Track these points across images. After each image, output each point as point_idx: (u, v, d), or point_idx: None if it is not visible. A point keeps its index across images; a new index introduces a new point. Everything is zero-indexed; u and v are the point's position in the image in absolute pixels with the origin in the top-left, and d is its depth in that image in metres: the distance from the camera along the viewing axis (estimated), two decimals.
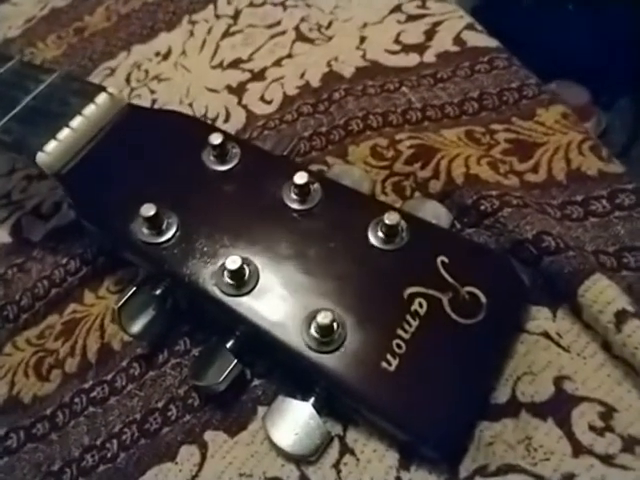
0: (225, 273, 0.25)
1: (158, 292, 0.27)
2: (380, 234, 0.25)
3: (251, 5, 0.46)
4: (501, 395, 0.24)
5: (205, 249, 0.26)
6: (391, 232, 0.25)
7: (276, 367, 0.27)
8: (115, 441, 0.27)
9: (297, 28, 0.42)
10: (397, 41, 0.39)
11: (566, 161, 0.30)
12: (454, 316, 0.24)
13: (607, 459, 0.22)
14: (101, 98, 0.30)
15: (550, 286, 0.26)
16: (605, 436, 0.22)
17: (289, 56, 0.40)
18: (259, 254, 0.26)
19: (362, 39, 0.40)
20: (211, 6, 0.47)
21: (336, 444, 0.25)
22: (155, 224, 0.26)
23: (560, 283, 0.25)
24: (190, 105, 0.40)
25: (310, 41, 0.41)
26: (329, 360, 0.23)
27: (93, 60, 0.47)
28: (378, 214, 0.26)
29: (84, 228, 0.32)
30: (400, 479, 0.23)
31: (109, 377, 0.30)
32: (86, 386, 0.30)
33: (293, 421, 0.24)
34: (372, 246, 0.25)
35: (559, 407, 0.23)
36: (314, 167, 0.33)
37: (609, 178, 0.29)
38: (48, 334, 0.32)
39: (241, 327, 0.25)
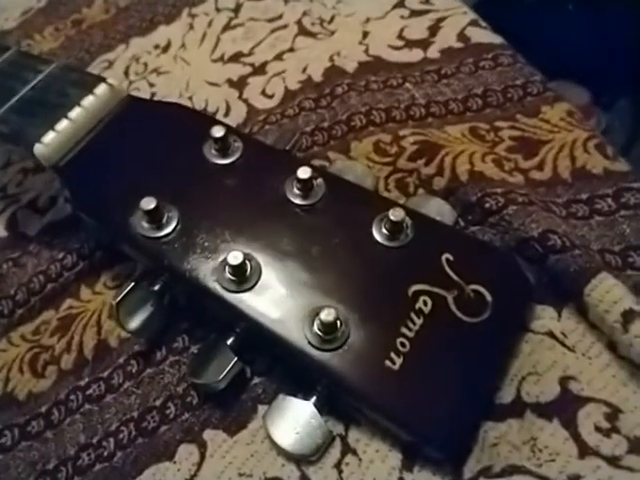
0: (226, 269, 0.24)
1: (156, 288, 0.27)
2: (384, 230, 0.25)
3: None
4: (506, 395, 0.24)
5: (206, 244, 0.26)
6: (396, 229, 0.25)
7: (277, 365, 0.27)
8: (112, 439, 0.27)
9: (299, 22, 0.42)
10: (400, 36, 0.38)
11: (571, 159, 0.30)
12: (459, 314, 0.23)
13: (613, 460, 0.21)
14: (100, 89, 0.30)
15: (555, 285, 0.25)
16: (611, 437, 0.22)
17: (291, 50, 0.40)
18: (261, 249, 0.25)
19: (365, 34, 0.39)
20: None
21: (338, 444, 0.24)
22: (155, 218, 0.25)
23: (566, 282, 0.25)
24: (190, 99, 0.40)
25: (312, 35, 0.40)
26: (332, 358, 0.23)
27: (91, 53, 0.47)
28: (382, 210, 0.25)
29: (81, 222, 0.32)
30: None
31: (106, 374, 0.29)
32: (82, 383, 0.29)
33: (294, 420, 0.24)
34: (376, 242, 0.25)
35: (565, 408, 0.23)
36: (316, 162, 0.32)
37: (614, 176, 0.29)
38: (43, 330, 0.32)
39: (242, 324, 0.25)
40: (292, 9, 0.43)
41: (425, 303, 0.24)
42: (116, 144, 0.29)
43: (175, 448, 0.26)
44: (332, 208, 0.26)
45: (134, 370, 0.29)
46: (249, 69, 0.40)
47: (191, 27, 0.45)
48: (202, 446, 0.26)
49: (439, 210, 0.27)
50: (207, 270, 0.25)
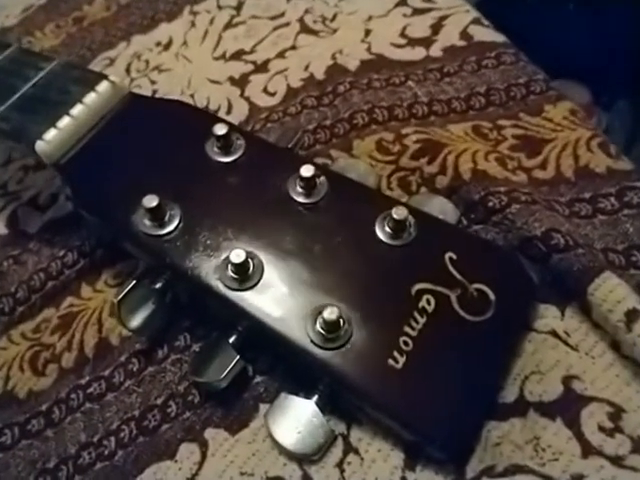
0: (229, 267, 0.24)
1: (158, 286, 0.26)
2: (387, 229, 0.25)
3: None
4: (509, 394, 0.24)
5: (208, 242, 0.25)
6: (399, 227, 0.25)
7: (279, 364, 0.27)
8: (113, 438, 0.27)
9: (301, 20, 0.41)
10: (403, 35, 0.38)
11: (574, 158, 0.30)
12: (462, 313, 0.23)
13: (617, 460, 0.21)
14: (102, 86, 0.30)
15: (559, 284, 0.25)
16: (615, 437, 0.22)
17: (293, 48, 0.40)
18: (263, 248, 0.25)
19: (367, 32, 0.39)
20: None
21: (340, 443, 0.24)
22: (157, 216, 0.25)
23: (569, 281, 0.25)
24: (191, 96, 0.39)
25: (314, 33, 0.40)
26: (334, 357, 0.23)
27: (92, 50, 0.46)
28: (385, 209, 0.25)
29: (83, 219, 0.32)
30: (405, 479, 0.23)
31: (107, 373, 0.29)
32: (83, 382, 0.29)
33: (296, 419, 0.23)
34: (379, 241, 0.25)
35: (568, 407, 0.23)
36: (318, 160, 0.32)
37: (617, 175, 0.29)
38: (44, 328, 0.31)
39: (244, 322, 0.25)
40: (294, 7, 0.43)
41: (428, 302, 0.24)
42: (118, 141, 0.29)
43: (176, 447, 0.26)
44: (335, 206, 0.26)
45: (135, 369, 0.28)
46: (251, 67, 0.40)
47: (193, 25, 0.45)
48: (203, 445, 0.25)
49: (442, 209, 0.27)
50: (209, 268, 0.25)
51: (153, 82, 0.42)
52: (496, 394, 0.24)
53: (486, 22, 0.38)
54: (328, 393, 0.24)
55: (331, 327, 0.22)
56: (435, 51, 0.37)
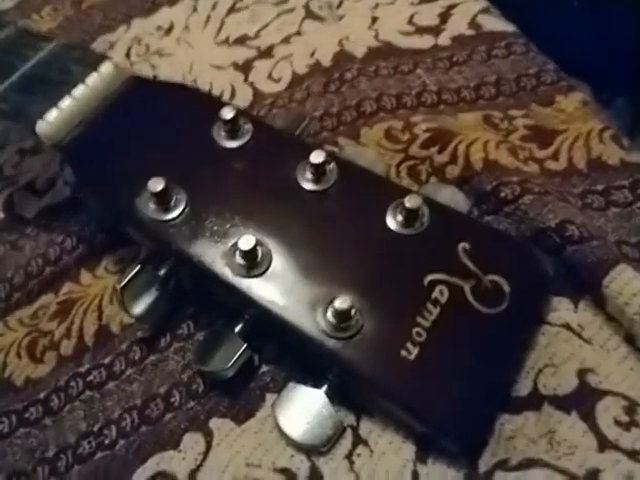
0: (237, 253, 0.23)
1: (162, 272, 0.26)
2: (399, 218, 0.24)
3: None
4: (522, 387, 0.23)
5: (215, 228, 0.25)
6: (411, 216, 0.24)
7: (286, 353, 0.26)
8: (114, 427, 0.26)
9: (306, 6, 0.41)
10: (410, 22, 0.38)
11: (587, 149, 0.29)
12: (476, 305, 0.23)
13: (633, 454, 0.21)
14: (105, 67, 0.29)
15: (573, 276, 0.25)
16: (631, 431, 0.21)
17: (298, 34, 0.39)
18: (272, 235, 0.24)
19: (374, 19, 0.38)
20: None
21: (349, 434, 0.23)
22: (163, 200, 0.25)
23: (583, 273, 0.24)
24: (194, 82, 0.39)
25: (320, 19, 0.40)
26: (346, 346, 0.22)
27: (91, 33, 0.45)
28: (397, 197, 0.25)
29: (82, 204, 0.31)
30: (417, 472, 0.22)
31: (107, 361, 0.28)
32: (82, 370, 0.28)
33: (304, 409, 0.23)
34: (390, 230, 0.24)
35: (583, 400, 0.22)
36: (325, 148, 0.32)
37: (631, 168, 0.28)
38: (42, 314, 0.31)
39: (252, 310, 0.24)
40: None
41: (442, 293, 0.23)
42: (121, 124, 0.28)
43: (180, 437, 0.25)
44: (345, 194, 0.26)
45: (137, 357, 0.28)
46: (255, 52, 0.39)
47: (194, 9, 0.44)
48: (208, 435, 0.25)
49: (452, 199, 0.27)
50: (217, 255, 0.24)
51: (154, 67, 0.41)
52: (510, 387, 0.23)
53: (495, 11, 0.37)
54: (338, 383, 0.23)
55: (342, 317, 0.22)
56: (444, 40, 0.36)
